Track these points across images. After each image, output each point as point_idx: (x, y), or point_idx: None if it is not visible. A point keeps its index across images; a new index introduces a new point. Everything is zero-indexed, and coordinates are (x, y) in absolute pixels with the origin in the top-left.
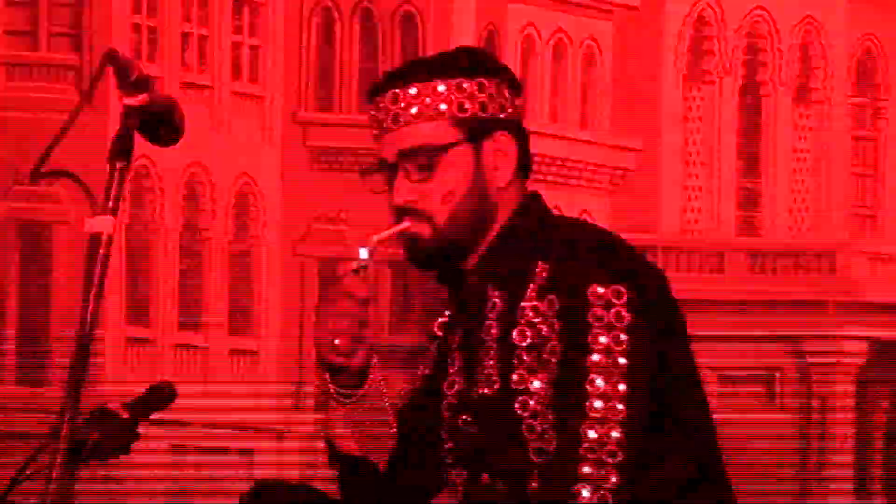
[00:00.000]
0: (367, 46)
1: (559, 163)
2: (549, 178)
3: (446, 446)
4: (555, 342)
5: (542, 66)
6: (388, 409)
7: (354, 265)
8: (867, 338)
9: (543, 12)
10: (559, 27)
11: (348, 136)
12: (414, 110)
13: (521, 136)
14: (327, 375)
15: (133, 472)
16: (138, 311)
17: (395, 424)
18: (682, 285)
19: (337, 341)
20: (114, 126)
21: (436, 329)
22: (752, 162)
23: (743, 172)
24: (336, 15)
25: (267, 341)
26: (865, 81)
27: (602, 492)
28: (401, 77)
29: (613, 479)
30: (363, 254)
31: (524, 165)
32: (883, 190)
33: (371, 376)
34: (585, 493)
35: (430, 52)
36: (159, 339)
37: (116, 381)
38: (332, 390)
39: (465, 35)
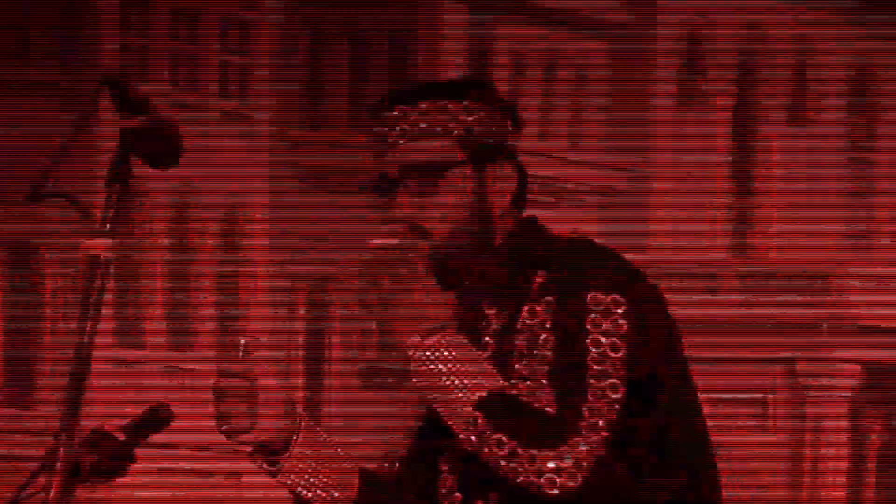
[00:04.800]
0: (356, 65)
1: (549, 182)
2: (539, 198)
3: (442, 469)
4: (550, 343)
5: (532, 85)
6: (342, 455)
7: (240, 348)
8: (861, 361)
9: (534, 31)
10: (550, 46)
11: (336, 156)
12: (423, 125)
13: (521, 169)
14: (251, 452)
15: (120, 495)
16: (126, 334)
17: (354, 471)
18: (673, 307)
19: (233, 420)
20: (94, 146)
21: None
22: (744, 182)
23: (735, 193)
24: (325, 34)
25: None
26: (859, 102)
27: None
28: (410, 94)
29: (571, 484)
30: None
31: (522, 197)
32: (876, 212)
33: (300, 436)
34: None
35: (420, 71)
36: (148, 361)
37: (105, 404)
38: (261, 466)
39: (456, 54)
